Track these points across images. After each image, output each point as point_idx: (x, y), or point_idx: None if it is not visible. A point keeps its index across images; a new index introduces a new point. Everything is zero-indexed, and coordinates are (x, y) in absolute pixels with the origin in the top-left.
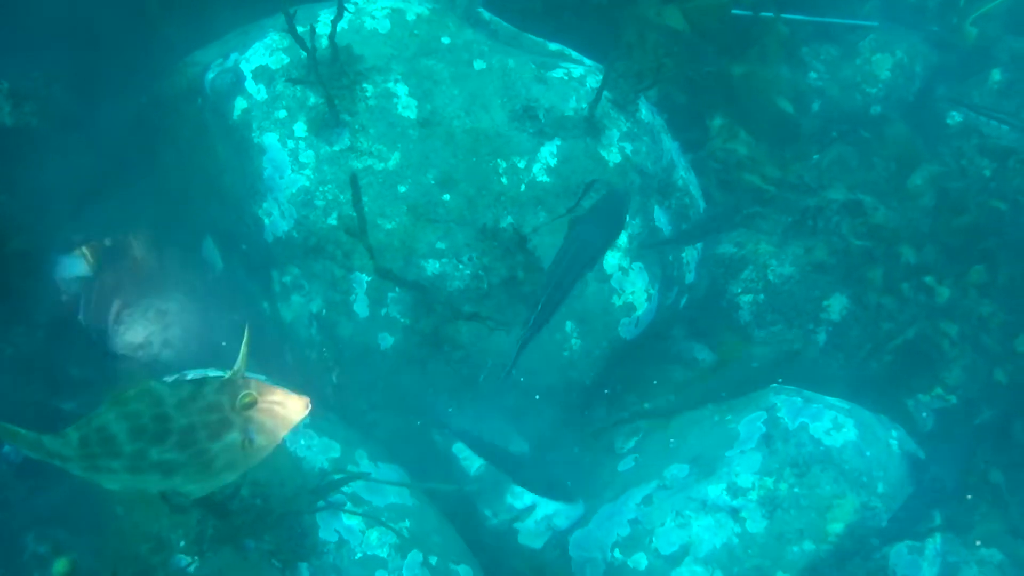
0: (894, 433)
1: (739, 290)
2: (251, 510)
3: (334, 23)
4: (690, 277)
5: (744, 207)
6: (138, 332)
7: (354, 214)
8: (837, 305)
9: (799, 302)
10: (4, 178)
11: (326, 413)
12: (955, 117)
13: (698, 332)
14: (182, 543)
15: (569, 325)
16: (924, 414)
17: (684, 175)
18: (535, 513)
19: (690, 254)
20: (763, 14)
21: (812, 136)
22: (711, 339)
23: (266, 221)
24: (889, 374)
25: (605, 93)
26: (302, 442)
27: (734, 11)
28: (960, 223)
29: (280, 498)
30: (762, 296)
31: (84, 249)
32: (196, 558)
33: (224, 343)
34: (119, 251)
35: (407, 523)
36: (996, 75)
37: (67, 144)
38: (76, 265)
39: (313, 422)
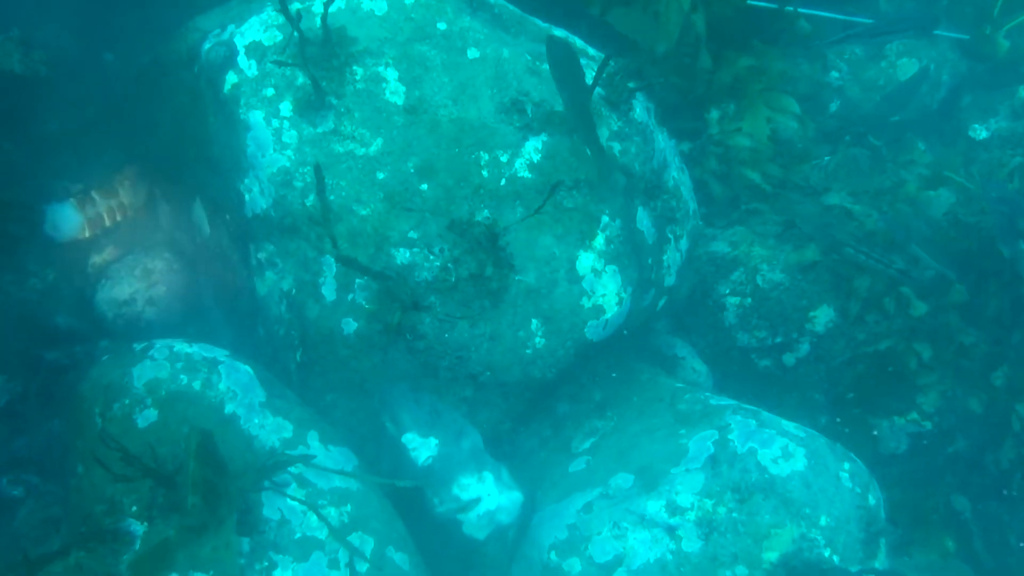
0: (846, 465)
1: (727, 291)
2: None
3: (326, 5)
4: (670, 280)
5: (743, 202)
6: (124, 288)
7: (328, 199)
8: (823, 317)
9: (786, 310)
10: (10, 125)
11: (284, 392)
12: (979, 131)
13: (683, 327)
14: (134, 508)
15: (535, 323)
16: (896, 439)
17: (676, 175)
18: (479, 507)
19: (672, 257)
20: (786, 8)
21: (827, 136)
22: (695, 336)
23: (247, 197)
24: (865, 393)
25: (599, 90)
26: (256, 421)
27: (751, 1)
28: (960, 247)
29: (228, 474)
30: (749, 300)
31: (79, 200)
32: (145, 523)
33: (207, 307)
34: (113, 205)
35: (348, 507)
36: (1023, 92)
37: (72, 95)
38: (70, 216)
39: (269, 401)
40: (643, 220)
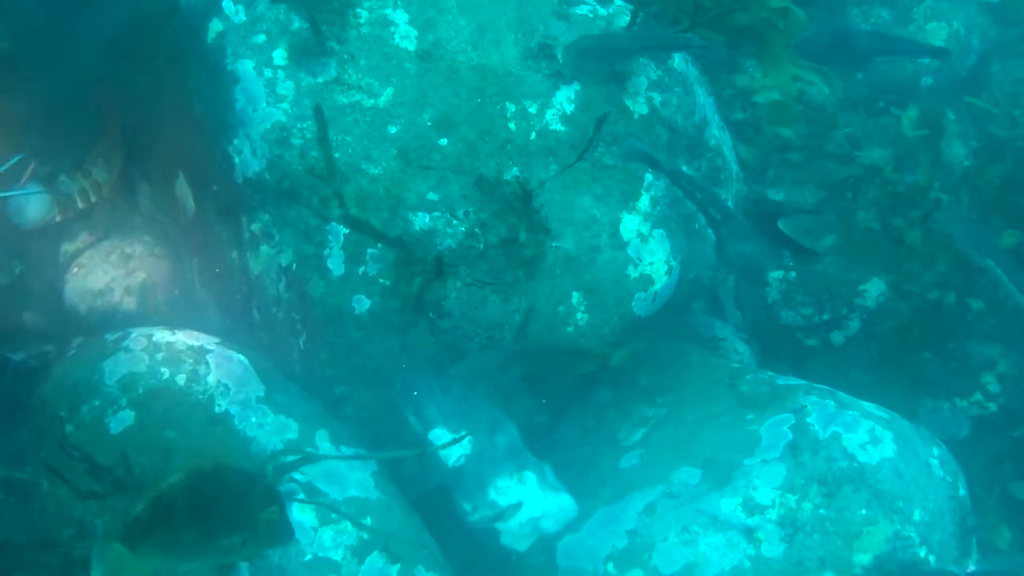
0: (935, 451)
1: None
2: None
3: None
4: None
5: (773, 166)
6: (98, 277)
7: (333, 154)
8: (874, 291)
9: (833, 284)
10: None
11: (287, 385)
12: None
13: (721, 307)
14: None
15: (576, 297)
16: (957, 424)
17: (717, 134)
18: (521, 513)
19: None
20: None
21: (855, 104)
22: (735, 317)
23: (236, 159)
24: (925, 374)
25: None
26: (253, 419)
27: None
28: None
29: None
30: (794, 274)
31: (46, 183)
32: None
33: (194, 294)
34: (86, 185)
35: (369, 520)
36: None
37: (40, 69)
38: (37, 200)
39: (269, 396)
40: None
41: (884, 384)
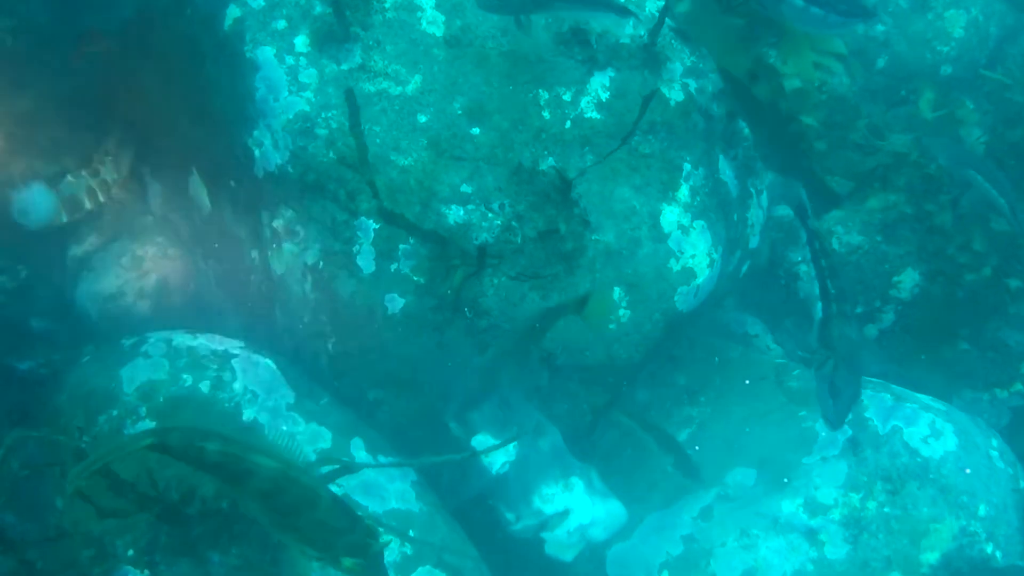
0: (994, 443)
1: (799, 258)
2: (214, 516)
3: None
4: (754, 241)
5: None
6: (109, 280)
7: (364, 143)
8: (908, 282)
9: (867, 276)
10: None
11: (317, 390)
12: None
13: (751, 303)
14: (130, 552)
15: (617, 292)
16: (997, 414)
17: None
18: (568, 521)
19: (756, 214)
20: None
21: (874, 95)
22: (765, 312)
23: (256, 152)
24: (963, 365)
25: (668, 20)
26: (284, 428)
27: None
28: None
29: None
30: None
31: (54, 183)
32: (146, 571)
33: (211, 297)
34: (94, 184)
35: (412, 533)
36: None
37: (45, 65)
38: (42, 198)
39: (299, 403)
40: (725, 170)
41: (921, 377)
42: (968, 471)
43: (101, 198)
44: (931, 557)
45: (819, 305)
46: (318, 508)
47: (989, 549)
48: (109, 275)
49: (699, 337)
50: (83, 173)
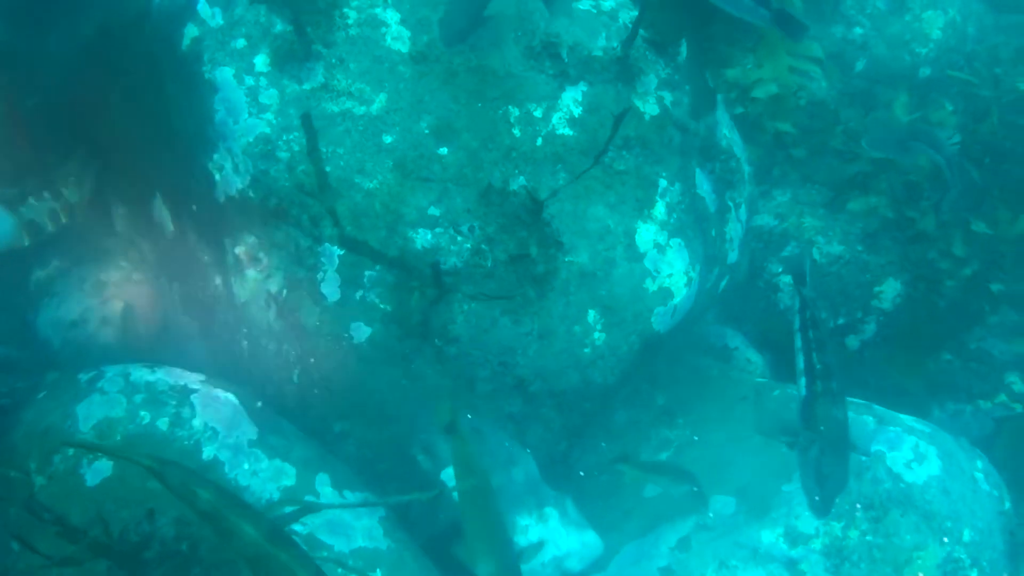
0: (979, 464)
1: (779, 270)
2: (173, 558)
3: None
4: (733, 256)
5: (777, 164)
6: (72, 307)
7: (324, 167)
8: (890, 292)
9: (848, 286)
10: None
11: (281, 425)
12: None
13: (731, 316)
14: None
15: (592, 315)
16: (980, 426)
17: (728, 134)
18: (543, 553)
19: (734, 228)
20: None
21: (853, 99)
22: (745, 324)
23: (217, 176)
24: (946, 377)
25: (641, 31)
26: (246, 466)
27: None
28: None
29: (211, 542)
30: None
31: (15, 205)
32: None
33: (177, 323)
34: (57, 207)
35: (378, 573)
36: None
37: (5, 85)
38: (5, 223)
39: (263, 439)
40: (703, 184)
41: (904, 389)
42: (952, 495)
43: (64, 220)
44: None
45: (803, 381)
46: None
47: (974, 575)
48: (71, 301)
49: (678, 355)
50: (45, 195)
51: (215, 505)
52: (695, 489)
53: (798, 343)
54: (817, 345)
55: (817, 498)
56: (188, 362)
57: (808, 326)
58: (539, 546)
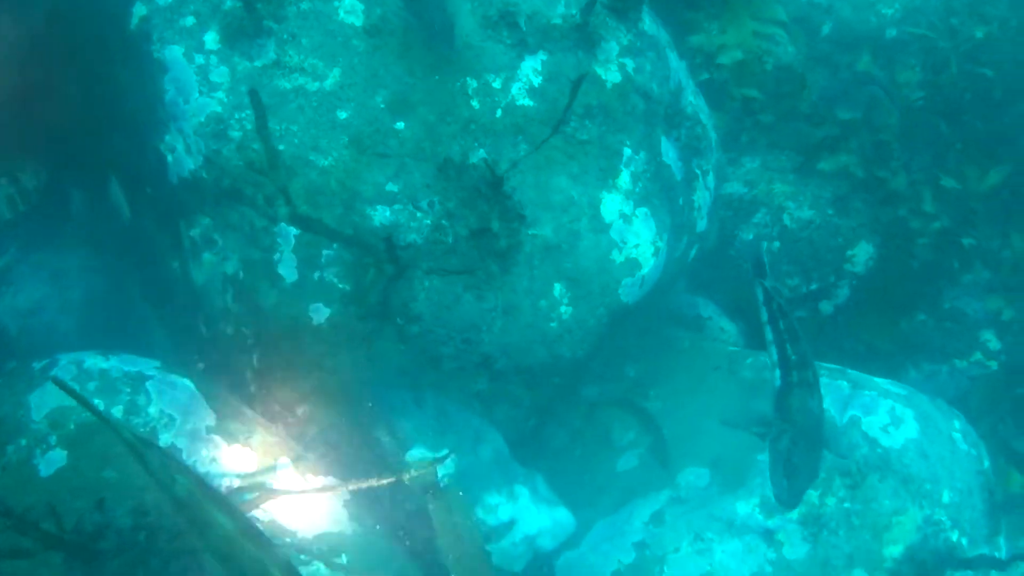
0: (957, 424)
1: (750, 236)
2: (131, 549)
3: None
4: (702, 224)
5: (745, 131)
6: (29, 294)
7: (276, 146)
8: (863, 255)
9: (819, 251)
10: None
11: (241, 410)
12: None
13: (702, 284)
14: None
15: (558, 288)
16: (956, 385)
17: (693, 100)
18: (514, 532)
19: (702, 196)
20: None
21: (819, 62)
22: (717, 293)
23: (169, 158)
24: (921, 337)
25: None
26: (204, 453)
27: None
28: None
29: (171, 531)
30: (777, 244)
31: None
32: None
33: (136, 309)
34: (13, 192)
35: (344, 558)
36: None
37: None
38: None
39: (221, 424)
40: (668, 152)
41: (879, 351)
42: (931, 457)
43: (21, 207)
44: (894, 551)
45: (777, 372)
46: None
47: (954, 536)
48: (28, 288)
49: (649, 326)
50: (2, 181)
51: (192, 493)
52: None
53: (769, 335)
54: (790, 336)
55: (784, 491)
56: (149, 348)
57: (777, 317)
58: (510, 525)
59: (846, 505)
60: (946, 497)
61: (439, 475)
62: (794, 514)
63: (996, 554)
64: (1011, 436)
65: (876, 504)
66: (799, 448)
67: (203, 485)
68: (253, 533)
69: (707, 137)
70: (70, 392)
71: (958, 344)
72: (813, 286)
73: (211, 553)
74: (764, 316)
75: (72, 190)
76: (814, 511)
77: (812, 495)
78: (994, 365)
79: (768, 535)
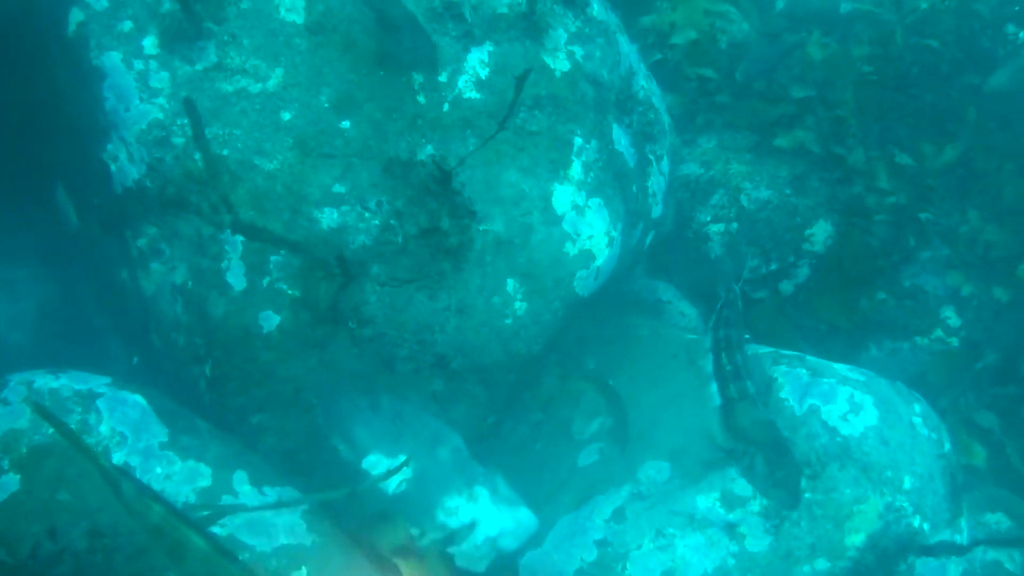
0: (917, 408)
1: (708, 218)
2: (87, 570)
3: None
4: (657, 210)
5: (701, 112)
6: None
7: (217, 152)
8: (821, 234)
9: (778, 231)
10: None
11: (194, 423)
12: None
13: (660, 267)
14: None
15: (512, 284)
16: (917, 362)
17: (645, 84)
18: (475, 533)
19: (657, 182)
20: None
21: (774, 39)
22: (677, 276)
23: (112, 167)
24: (882, 314)
25: None
26: (158, 470)
27: None
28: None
29: (128, 551)
30: (735, 225)
31: None
32: None
33: (90, 321)
34: None
35: (303, 571)
36: None
37: None
38: None
39: (174, 440)
40: (620, 139)
41: (840, 330)
42: (891, 444)
43: None
44: (856, 539)
45: (714, 386)
46: None
47: (916, 522)
48: None
49: (607, 316)
50: None
51: (167, 519)
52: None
53: (707, 343)
54: (726, 343)
55: (784, 499)
56: (105, 359)
57: (720, 325)
58: (471, 527)
59: (807, 496)
60: (907, 483)
61: (396, 481)
62: (755, 506)
63: (957, 536)
64: (973, 410)
65: (837, 494)
66: (774, 462)
67: (175, 510)
68: (229, 553)
69: (660, 121)
70: (49, 418)
71: (918, 321)
72: (772, 266)
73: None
74: (710, 322)
75: (23, 197)
76: (775, 504)
77: None
78: (955, 341)
79: (730, 528)
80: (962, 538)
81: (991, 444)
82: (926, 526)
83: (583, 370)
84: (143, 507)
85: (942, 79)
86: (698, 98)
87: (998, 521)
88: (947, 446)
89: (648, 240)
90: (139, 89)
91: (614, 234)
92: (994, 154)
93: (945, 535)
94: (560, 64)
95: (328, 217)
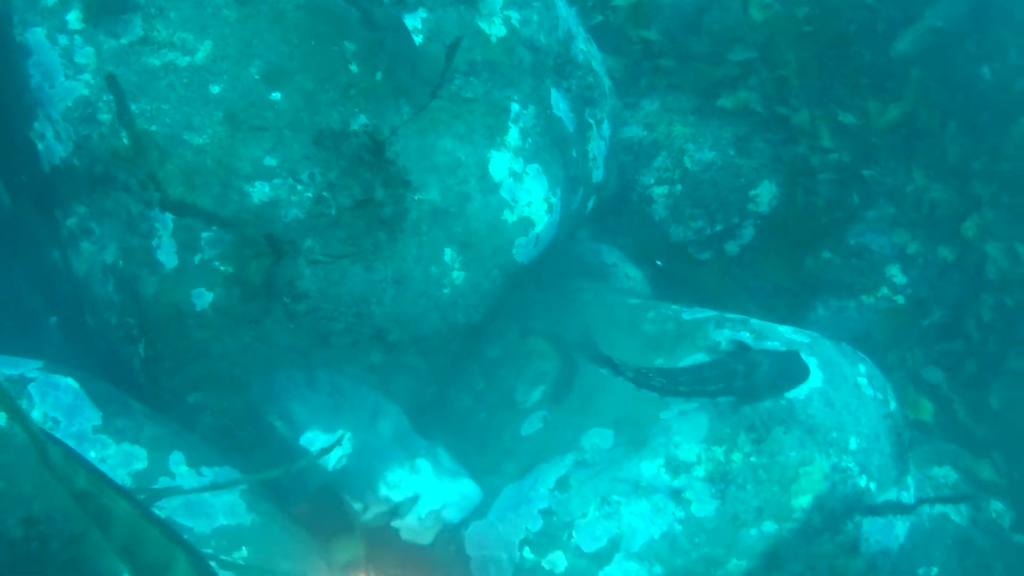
0: (862, 368)
1: (652, 181)
2: (24, 560)
3: None
4: (599, 175)
5: (645, 75)
6: None
7: (144, 128)
8: (766, 194)
9: (722, 192)
10: None
11: (129, 405)
12: None
13: (606, 230)
14: None
15: (449, 253)
16: (863, 320)
17: (585, 48)
18: (419, 507)
19: (597, 146)
20: None
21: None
22: (622, 238)
23: (40, 146)
24: (828, 274)
25: None
26: (92, 454)
27: None
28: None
29: (64, 538)
30: (679, 187)
31: None
32: None
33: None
34: None
35: (244, 551)
36: None
37: None
38: None
39: (108, 423)
40: (559, 104)
41: (785, 290)
42: (836, 405)
43: None
44: (803, 501)
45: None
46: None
47: (863, 482)
48: None
49: (549, 282)
50: None
51: (94, 483)
52: None
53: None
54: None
55: None
56: (41, 341)
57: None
58: (414, 500)
59: (752, 459)
60: (853, 444)
61: (335, 456)
62: (700, 471)
63: (904, 494)
64: (920, 366)
65: (782, 456)
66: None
67: (103, 476)
68: (156, 519)
69: (600, 85)
70: None
71: (864, 280)
72: (718, 227)
73: (114, 547)
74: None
75: None
76: (720, 468)
77: (717, 452)
78: (901, 299)
79: (675, 494)
80: (909, 496)
81: (938, 399)
82: (872, 485)
83: (529, 332)
84: (70, 471)
85: (879, 38)
86: (641, 60)
87: (945, 475)
88: (893, 405)
89: (590, 205)
90: (64, 65)
91: (553, 200)
92: (937, 113)
93: (892, 494)
94: (496, 29)
95: (259, 191)
